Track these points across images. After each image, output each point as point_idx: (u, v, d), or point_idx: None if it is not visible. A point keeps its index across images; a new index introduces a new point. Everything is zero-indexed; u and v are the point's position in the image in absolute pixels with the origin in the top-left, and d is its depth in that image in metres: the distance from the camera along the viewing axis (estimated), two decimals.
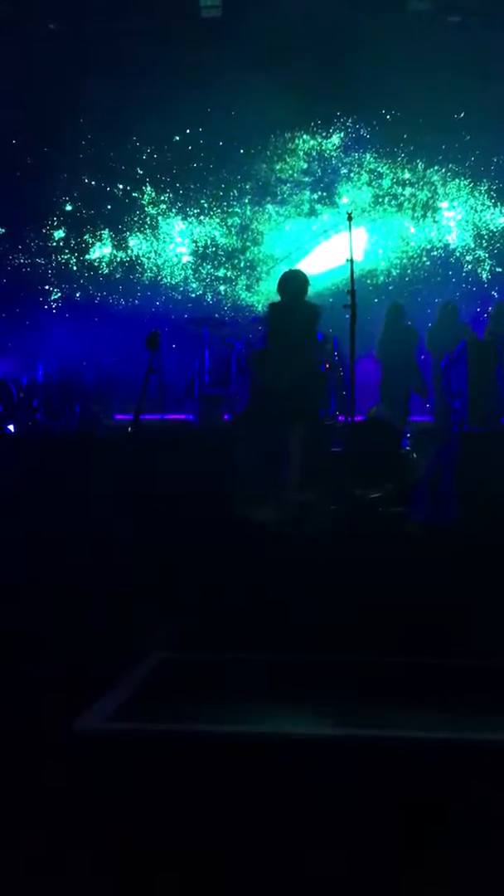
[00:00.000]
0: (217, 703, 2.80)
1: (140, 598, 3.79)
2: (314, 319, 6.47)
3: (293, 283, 6.94)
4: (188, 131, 11.80)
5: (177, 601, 3.80)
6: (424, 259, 11.90)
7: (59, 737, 2.48)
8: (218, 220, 12.08)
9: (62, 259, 12.18)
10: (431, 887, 1.87)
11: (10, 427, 9.10)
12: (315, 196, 11.99)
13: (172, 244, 12.19)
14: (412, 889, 1.86)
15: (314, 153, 11.90)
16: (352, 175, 11.93)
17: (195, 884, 1.87)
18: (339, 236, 10.73)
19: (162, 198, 12.09)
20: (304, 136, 11.86)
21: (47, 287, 12.19)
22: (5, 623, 3.51)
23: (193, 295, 12.09)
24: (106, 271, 12.16)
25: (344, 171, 11.91)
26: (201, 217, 12.10)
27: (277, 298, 6.45)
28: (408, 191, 11.89)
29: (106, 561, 4.19)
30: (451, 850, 2.00)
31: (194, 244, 12.17)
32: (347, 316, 6.70)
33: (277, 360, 6.70)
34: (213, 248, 12.13)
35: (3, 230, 12.11)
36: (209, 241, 12.13)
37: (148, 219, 12.14)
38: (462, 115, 11.26)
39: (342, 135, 11.83)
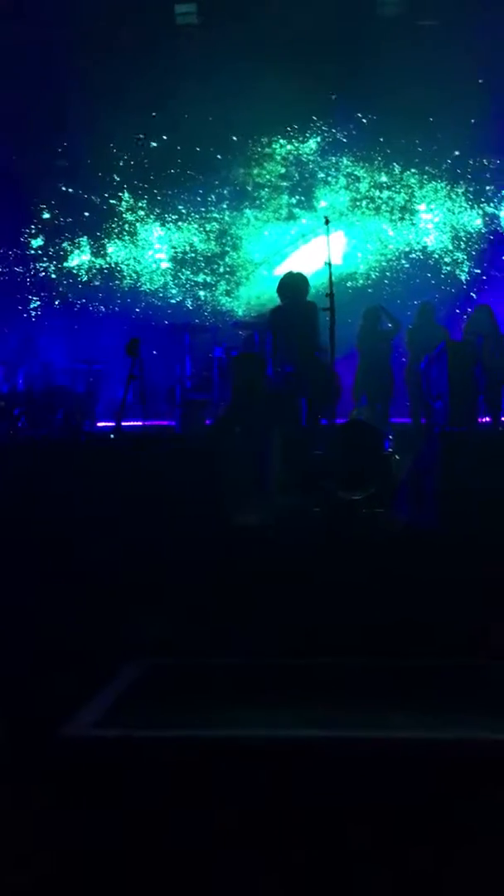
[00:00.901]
0: (203, 708, 2.80)
1: (125, 604, 3.78)
2: (315, 316, 6.63)
3: (292, 285, 7.04)
4: (165, 137, 11.81)
5: (162, 606, 3.80)
6: (403, 261, 11.97)
7: (44, 744, 2.47)
8: (196, 226, 12.09)
9: (41, 267, 12.15)
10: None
11: None
12: (293, 200, 12.04)
13: (151, 250, 12.19)
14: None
15: (291, 158, 11.95)
16: (329, 179, 11.99)
17: (184, 891, 1.87)
18: (318, 240, 10.79)
19: (140, 204, 12.09)
20: (281, 141, 11.91)
21: (26, 295, 12.16)
22: None
23: (173, 301, 12.09)
24: (85, 278, 12.15)
25: (321, 175, 11.97)
26: (179, 223, 12.11)
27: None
28: (385, 194, 11.97)
29: (89, 567, 4.18)
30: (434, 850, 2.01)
31: (173, 250, 12.18)
32: (327, 318, 6.74)
33: (286, 359, 6.80)
34: (192, 254, 12.14)
35: None
36: (188, 247, 12.14)
37: (126, 225, 12.13)
38: (436, 118, 11.33)
39: (319, 139, 11.89)
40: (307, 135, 11.88)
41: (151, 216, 12.11)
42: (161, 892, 1.86)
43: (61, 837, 2.07)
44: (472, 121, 11.20)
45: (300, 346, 6.96)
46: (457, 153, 11.63)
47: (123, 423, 7.87)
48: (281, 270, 11.53)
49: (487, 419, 8.12)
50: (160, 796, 2.24)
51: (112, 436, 7.76)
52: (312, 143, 11.91)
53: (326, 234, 6.96)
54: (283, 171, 11.97)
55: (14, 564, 4.32)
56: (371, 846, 2.00)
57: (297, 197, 12.02)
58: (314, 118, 11.77)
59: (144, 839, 2.04)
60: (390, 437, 6.49)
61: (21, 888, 1.87)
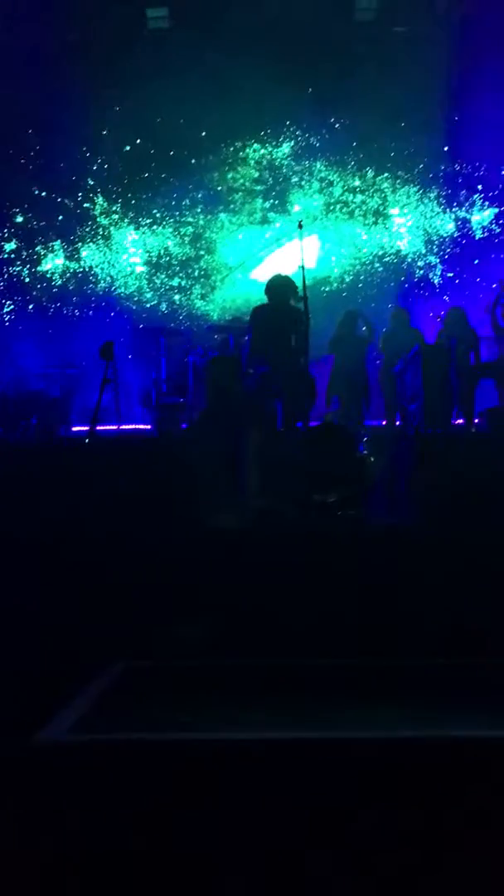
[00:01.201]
0: (182, 711, 2.80)
1: (102, 607, 3.77)
2: (301, 322, 6.67)
3: (281, 286, 7.08)
4: (138, 141, 11.80)
5: (139, 608, 3.79)
6: (377, 265, 12.04)
7: (19, 749, 2.46)
8: (171, 230, 12.08)
9: (14, 271, 12.08)
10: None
11: None
12: (267, 204, 12.07)
13: (125, 254, 12.16)
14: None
15: (265, 162, 11.99)
16: (303, 183, 12.04)
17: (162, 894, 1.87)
18: (292, 244, 10.83)
19: (114, 208, 12.06)
20: (255, 146, 11.94)
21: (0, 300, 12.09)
22: None
23: (148, 305, 12.07)
24: (59, 282, 12.09)
25: (295, 179, 12.01)
26: (154, 227, 12.09)
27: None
28: (358, 198, 12.03)
29: (64, 571, 4.16)
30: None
31: (147, 254, 12.16)
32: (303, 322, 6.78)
33: (261, 359, 6.82)
34: (167, 258, 12.13)
35: None
36: (162, 251, 12.13)
37: (100, 229, 12.10)
38: (408, 123, 11.42)
39: (292, 143, 11.94)
40: (280, 139, 11.92)
41: (125, 220, 12.09)
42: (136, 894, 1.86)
43: (37, 842, 2.06)
44: (445, 126, 11.31)
45: (279, 348, 6.98)
46: (428, 158, 11.72)
47: (98, 428, 7.84)
48: (256, 274, 11.58)
49: (461, 421, 8.19)
50: (137, 801, 2.23)
51: (87, 440, 7.72)
52: (286, 148, 11.96)
53: (300, 237, 6.99)
54: (256, 175, 12.00)
55: None
56: (363, 848, 2.01)
57: (271, 201, 12.05)
58: (288, 122, 11.81)
59: (121, 844, 2.04)
60: (365, 439, 6.52)
61: None
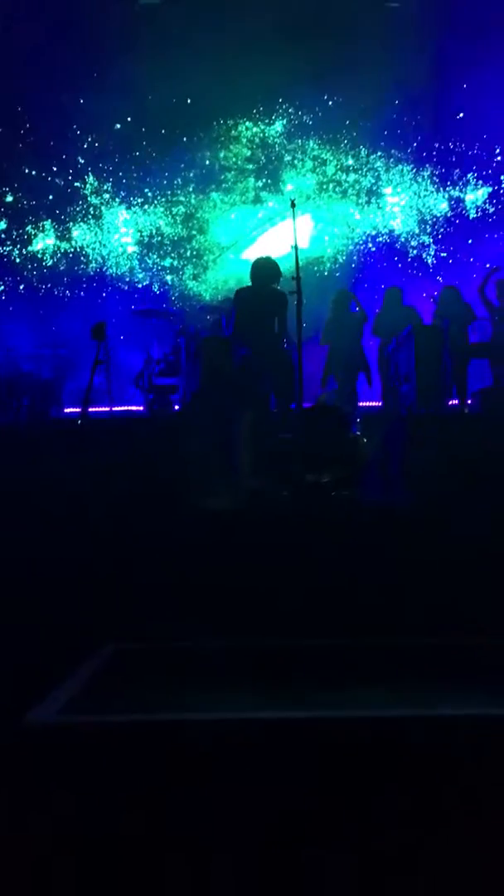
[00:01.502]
0: (172, 692, 2.79)
1: (93, 589, 3.76)
2: (284, 305, 6.64)
3: (265, 269, 7.05)
4: (129, 119, 11.68)
5: (131, 590, 3.77)
6: (370, 245, 11.98)
7: (8, 730, 2.44)
8: (162, 209, 11.99)
9: (4, 251, 11.98)
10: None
11: None
12: (259, 184, 11.98)
13: (117, 234, 12.07)
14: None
15: (257, 140, 11.88)
16: (296, 162, 11.94)
17: (155, 876, 1.86)
18: (285, 223, 10.75)
19: (105, 187, 11.95)
20: (247, 124, 11.83)
21: None
22: None
23: (140, 285, 11.99)
24: (50, 263, 12.00)
25: (288, 157, 11.92)
26: (145, 206, 11.99)
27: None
28: (352, 177, 11.95)
29: (55, 552, 4.14)
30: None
31: (139, 234, 12.07)
32: (295, 303, 6.73)
33: (243, 341, 6.79)
34: (159, 238, 12.04)
35: None
36: (154, 231, 12.04)
37: (91, 209, 11.99)
38: (402, 101, 11.32)
39: (285, 121, 11.83)
40: (273, 117, 11.81)
41: (117, 199, 11.98)
42: (129, 877, 1.85)
43: (27, 824, 2.05)
44: (438, 104, 11.21)
45: (262, 330, 6.96)
46: (422, 136, 11.64)
47: (90, 409, 7.81)
48: (248, 254, 11.50)
49: (455, 402, 8.17)
50: (128, 782, 2.23)
51: (79, 422, 7.69)
52: (279, 126, 11.85)
53: (293, 217, 6.93)
54: (248, 153, 11.89)
55: None
56: (361, 828, 2.01)
57: (264, 180, 11.96)
58: (280, 100, 11.70)
59: (113, 824, 2.03)
60: (358, 420, 6.50)
61: None
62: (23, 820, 2.05)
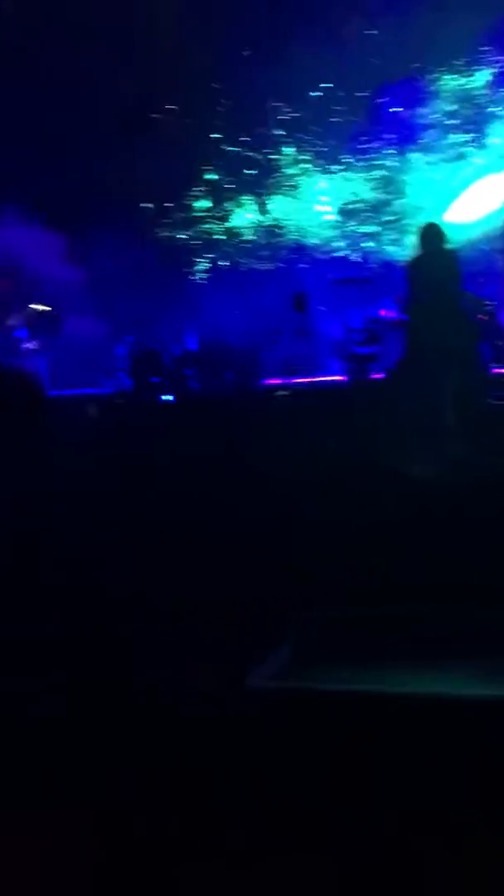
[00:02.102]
0: (371, 663, 2.75)
1: (291, 565, 3.76)
2: (457, 266, 6.34)
3: (431, 235, 6.80)
4: (321, 85, 11.51)
5: (345, 558, 3.74)
6: None
7: (234, 693, 2.55)
8: (361, 175, 11.77)
9: (206, 229, 12.26)
10: None
11: (170, 396, 9.37)
12: (462, 140, 11.45)
13: (315, 204, 12.01)
14: None
15: (460, 93, 11.35)
16: (502, 114, 11.31)
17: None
18: (493, 178, 10.22)
19: (302, 157, 11.91)
20: (447, 76, 11.32)
21: (193, 258, 12.32)
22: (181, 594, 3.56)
23: (339, 254, 11.89)
24: (250, 237, 12.16)
25: (492, 109, 11.29)
26: (344, 172, 11.83)
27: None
28: None
29: (265, 525, 4.19)
30: None
31: (338, 201, 11.94)
32: (501, 262, 6.40)
33: (427, 312, 6.56)
34: (358, 204, 11.86)
35: (152, 205, 12.28)
36: (352, 197, 11.86)
37: (289, 180, 12.00)
38: None
39: (489, 72, 11.21)
40: (473, 69, 11.22)
41: (314, 168, 11.91)
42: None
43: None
44: None
45: (439, 298, 6.65)
46: None
47: (293, 380, 7.87)
48: (449, 216, 11.05)
49: None
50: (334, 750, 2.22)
51: (285, 393, 7.78)
52: (481, 77, 11.25)
53: None
54: (451, 108, 11.39)
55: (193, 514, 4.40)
56: None
57: (468, 135, 11.42)
58: (483, 48, 11.08)
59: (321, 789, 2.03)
60: None
61: None
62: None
